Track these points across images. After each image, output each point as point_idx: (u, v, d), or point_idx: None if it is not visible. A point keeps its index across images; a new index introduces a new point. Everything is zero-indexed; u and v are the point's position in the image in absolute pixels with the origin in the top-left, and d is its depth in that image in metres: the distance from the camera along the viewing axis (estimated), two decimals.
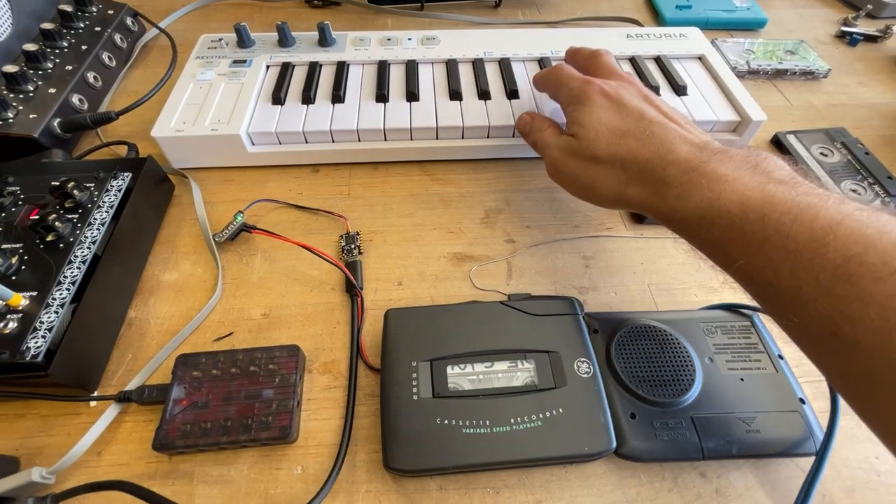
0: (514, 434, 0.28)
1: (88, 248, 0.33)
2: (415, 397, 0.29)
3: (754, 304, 0.36)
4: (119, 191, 0.37)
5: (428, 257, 0.40)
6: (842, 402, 0.29)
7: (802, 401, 0.31)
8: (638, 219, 0.43)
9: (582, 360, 0.31)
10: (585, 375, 0.31)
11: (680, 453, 0.29)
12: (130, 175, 0.38)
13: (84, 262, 0.32)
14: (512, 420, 0.29)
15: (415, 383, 0.30)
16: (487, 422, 0.28)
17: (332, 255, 0.39)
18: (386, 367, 0.31)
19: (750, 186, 0.25)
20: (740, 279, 0.26)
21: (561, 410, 0.29)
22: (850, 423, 0.31)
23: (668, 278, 0.40)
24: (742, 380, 0.32)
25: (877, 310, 0.18)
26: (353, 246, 0.40)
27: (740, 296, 0.38)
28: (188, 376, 0.32)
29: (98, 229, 0.34)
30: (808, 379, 0.33)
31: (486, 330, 0.32)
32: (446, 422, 0.29)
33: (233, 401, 0.31)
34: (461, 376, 0.31)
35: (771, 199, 0.24)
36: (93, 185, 0.37)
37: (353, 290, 0.37)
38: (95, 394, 0.33)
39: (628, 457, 0.29)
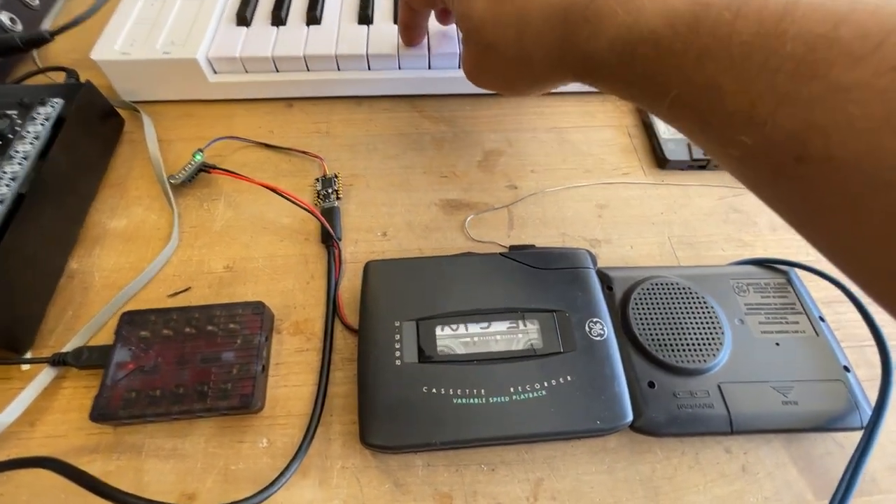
0: (514, 405, 0.24)
1: (8, 185, 0.28)
2: (397, 362, 0.25)
3: (792, 258, 0.31)
4: (47, 120, 0.31)
5: (417, 205, 0.35)
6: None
7: (847, 368, 0.27)
8: (660, 163, 0.37)
9: (594, 320, 0.27)
10: (598, 338, 0.26)
11: (705, 426, 0.25)
12: (62, 102, 0.32)
13: (2, 202, 0.27)
14: (511, 389, 0.24)
15: (398, 346, 0.25)
16: (482, 391, 0.24)
17: (307, 200, 0.33)
18: (364, 327, 0.26)
19: None
20: (676, 117, 0.20)
21: (569, 378, 0.25)
22: None
23: (691, 230, 0.35)
24: (777, 344, 0.28)
25: (857, 105, 0.14)
26: (330, 190, 0.35)
27: (774, 250, 0.33)
28: (134, 336, 0.28)
29: (20, 164, 0.29)
30: (852, 343, 0.29)
31: (482, 285, 0.28)
32: (434, 390, 0.24)
33: (187, 365, 0.27)
34: (452, 338, 0.26)
35: None
36: (16, 112, 0.31)
37: (329, 241, 0.32)
38: (28, 356, 0.28)
39: (645, 430, 0.25)
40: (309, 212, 0.33)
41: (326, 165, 0.36)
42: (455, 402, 0.24)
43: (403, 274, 0.28)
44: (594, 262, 0.30)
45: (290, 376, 0.28)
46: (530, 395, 0.24)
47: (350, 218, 0.35)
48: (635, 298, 0.29)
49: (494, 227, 0.34)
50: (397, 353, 0.25)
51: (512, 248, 0.30)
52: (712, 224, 0.35)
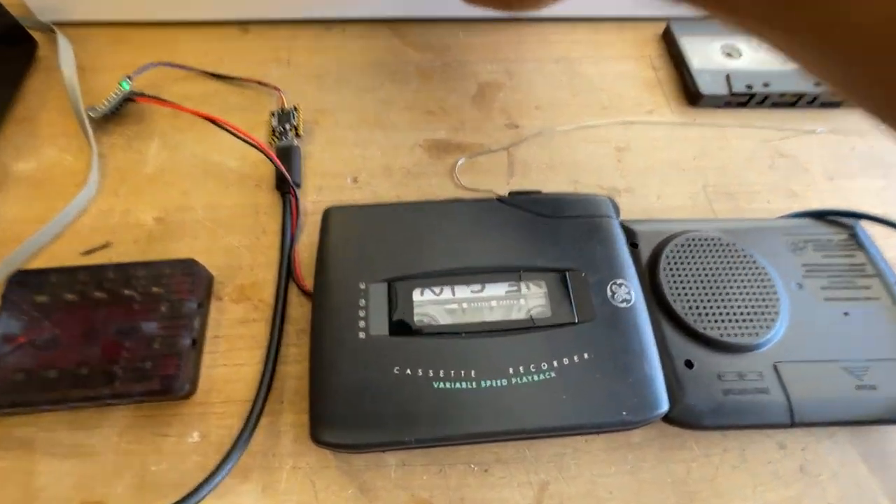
0: (514, 391, 0.18)
1: None
2: (361, 335, 0.19)
3: (856, 209, 0.25)
4: None
5: (397, 146, 0.29)
6: None
7: None
8: (692, 99, 0.31)
9: (618, 282, 0.21)
10: (623, 305, 0.20)
11: (758, 418, 0.20)
12: None
13: None
14: (510, 370, 0.18)
15: (362, 314, 0.19)
16: (472, 373, 0.18)
17: (261, 139, 0.27)
18: (320, 288, 0.20)
19: None
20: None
21: (585, 356, 0.19)
22: None
23: (730, 178, 0.28)
24: (846, 314, 0.22)
25: None
26: (287, 126, 0.28)
27: (830, 202, 0.27)
28: (27, 302, 0.21)
29: None
30: None
31: (474, 238, 0.22)
32: (409, 372, 0.18)
33: (96, 338, 0.21)
34: (434, 305, 0.20)
35: None
36: None
37: (285, 188, 0.26)
38: None
39: (682, 422, 0.20)
40: (261, 151, 0.26)
41: (285, 98, 0.30)
42: (436, 386, 0.18)
43: (373, 223, 0.22)
44: (617, 210, 0.23)
45: (232, 353, 0.22)
46: (535, 378, 0.18)
47: (313, 161, 0.28)
48: (667, 257, 0.23)
49: (491, 173, 0.28)
50: (361, 324, 0.19)
51: (513, 193, 0.24)
52: (755, 171, 0.29)
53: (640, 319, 0.20)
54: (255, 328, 0.23)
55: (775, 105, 0.31)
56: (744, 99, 0.30)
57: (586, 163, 0.29)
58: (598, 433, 0.21)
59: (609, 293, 0.21)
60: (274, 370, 0.22)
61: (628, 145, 0.29)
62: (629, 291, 0.21)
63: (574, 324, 0.20)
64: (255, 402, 0.21)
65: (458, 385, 0.18)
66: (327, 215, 0.22)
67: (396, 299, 0.20)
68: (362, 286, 0.20)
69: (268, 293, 0.24)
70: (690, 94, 0.31)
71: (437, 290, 0.20)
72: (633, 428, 0.19)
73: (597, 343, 0.19)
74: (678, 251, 0.23)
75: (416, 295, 0.20)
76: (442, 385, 0.18)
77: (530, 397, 0.18)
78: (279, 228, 0.26)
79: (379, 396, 0.18)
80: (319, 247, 0.22)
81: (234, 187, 0.27)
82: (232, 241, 0.25)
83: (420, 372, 0.18)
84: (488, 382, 0.18)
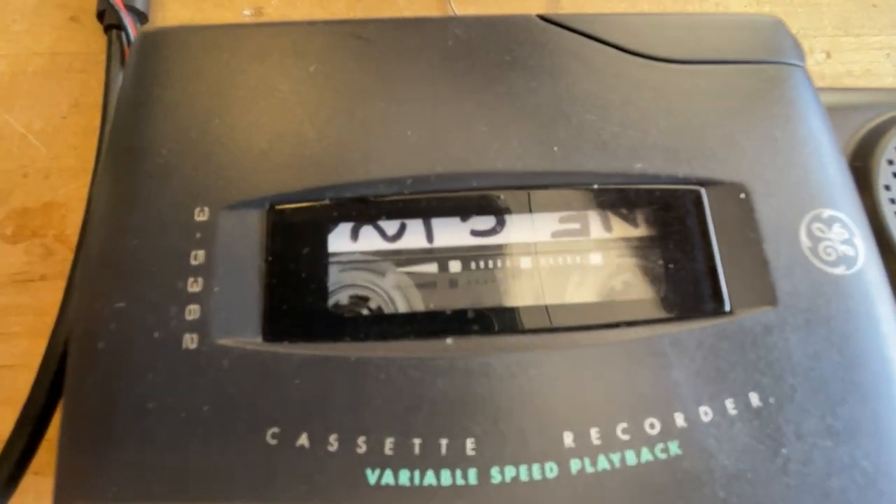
0: (578, 497, 0.07)
1: None
2: (189, 340, 0.08)
3: None
4: None
5: None
6: None
7: None
8: None
9: (826, 215, 0.09)
10: (839, 270, 0.08)
11: None
12: None
13: None
14: (570, 441, 0.07)
15: (195, 287, 0.08)
16: (470, 445, 0.07)
17: None
18: (98, 222, 0.08)
19: None
20: None
21: (757, 402, 0.07)
22: None
23: None
24: None
25: None
26: None
27: None
28: None
29: None
30: None
31: (480, 106, 0.09)
32: (306, 442, 0.07)
33: None
34: (382, 262, 0.08)
35: None
36: None
37: (115, 23, 0.13)
38: None
39: None
40: None
41: None
42: (371, 479, 0.07)
43: (244, 66, 0.09)
44: (800, 53, 0.11)
45: None
46: (631, 461, 0.07)
47: None
48: (888, 158, 0.11)
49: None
50: (191, 313, 0.08)
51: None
52: None
53: (877, 307, 0.08)
54: (43, 293, 0.12)
55: None
56: None
57: None
58: None
59: (805, 241, 0.08)
60: (60, 378, 0.10)
61: None
62: (851, 237, 0.09)
63: (723, 315, 0.08)
64: (11, 444, 0.10)
65: (430, 479, 0.07)
66: (141, 48, 0.10)
67: (287, 249, 0.08)
68: (201, 216, 0.08)
69: (72, 225, 0.12)
70: None
71: (387, 225, 0.08)
72: None
73: (782, 366, 0.08)
74: None
75: (338, 238, 0.08)
76: (388, 477, 0.07)
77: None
78: (101, 100, 0.13)
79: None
80: (113, 121, 0.09)
81: (23, 23, 0.14)
82: (12, 122, 0.13)
83: (335, 441, 0.07)
84: (511, 472, 0.07)
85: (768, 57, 0.10)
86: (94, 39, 0.14)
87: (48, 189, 0.13)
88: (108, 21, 0.14)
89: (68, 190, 0.13)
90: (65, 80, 0.14)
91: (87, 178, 0.13)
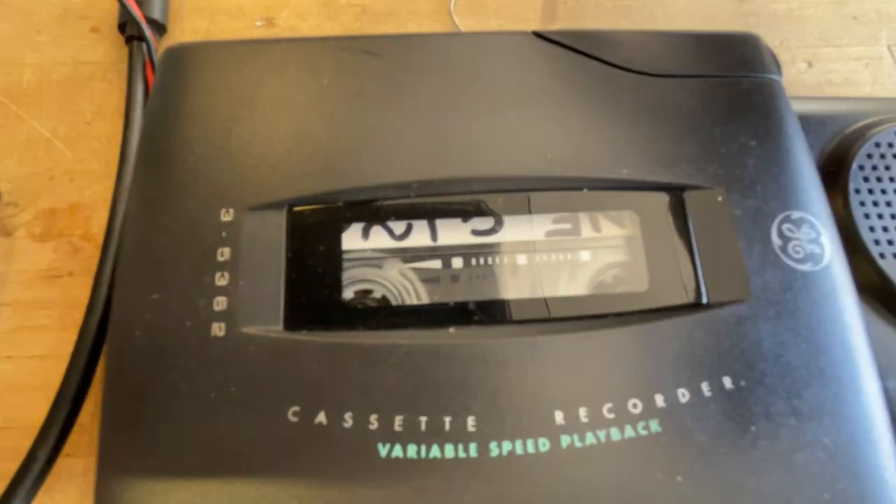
0: (568, 466, 0.08)
1: None
2: (218, 329, 0.08)
3: None
4: None
5: None
6: None
7: None
8: None
9: (795, 216, 0.09)
10: (807, 266, 0.09)
11: None
12: None
13: None
14: (561, 419, 0.08)
15: (222, 281, 0.09)
16: (471, 422, 0.08)
17: None
18: (133, 222, 0.09)
19: None
20: None
21: (730, 384, 0.08)
22: None
23: None
24: None
25: None
26: None
27: None
28: None
29: None
30: None
31: (482, 115, 0.10)
32: (325, 418, 0.08)
33: None
34: (390, 260, 0.09)
35: None
36: None
37: (137, 33, 0.14)
38: None
39: None
40: None
41: None
42: (382, 452, 0.08)
43: (263, 80, 0.10)
44: (778, 65, 0.11)
45: (22, 336, 0.12)
46: (616, 436, 0.08)
47: None
48: (861, 167, 0.12)
49: (513, 15, 0.16)
50: (219, 304, 0.08)
51: (564, 33, 0.12)
52: None
53: (841, 300, 0.09)
54: (71, 288, 0.12)
55: None
56: None
57: (685, 2, 0.16)
58: None
59: (777, 240, 0.09)
60: (93, 371, 0.11)
61: None
62: (818, 236, 0.09)
63: (700, 307, 0.09)
64: (46, 428, 0.11)
65: (435, 452, 0.08)
66: (168, 62, 0.10)
67: (305, 247, 0.09)
68: (227, 216, 0.09)
69: (97, 224, 0.13)
70: None
71: (395, 225, 0.09)
72: None
73: (753, 353, 0.09)
74: (883, 155, 0.12)
75: (351, 237, 0.09)
76: (397, 451, 0.08)
77: (605, 483, 0.08)
78: (122, 107, 0.14)
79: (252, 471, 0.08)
80: (143, 130, 0.10)
81: (48, 33, 0.15)
82: (39, 128, 0.14)
83: (350, 419, 0.08)
84: (507, 446, 0.08)
85: (746, 71, 0.11)
86: (115, 49, 0.15)
87: (74, 191, 0.14)
88: (130, 32, 0.15)
89: (93, 192, 0.14)
90: (87, 88, 0.15)
91: (111, 180, 0.14)
